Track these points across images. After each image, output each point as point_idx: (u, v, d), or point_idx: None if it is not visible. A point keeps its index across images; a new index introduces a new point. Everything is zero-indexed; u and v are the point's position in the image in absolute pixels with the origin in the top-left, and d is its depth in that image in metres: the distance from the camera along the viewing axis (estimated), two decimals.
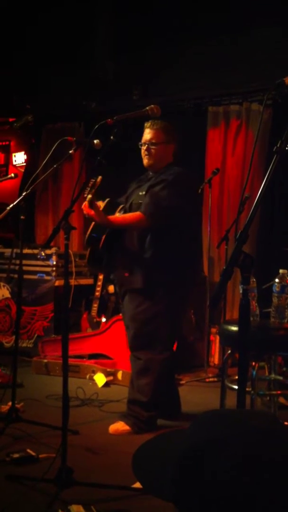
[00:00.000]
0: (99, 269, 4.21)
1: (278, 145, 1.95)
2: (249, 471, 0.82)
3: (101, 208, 3.47)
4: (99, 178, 3.20)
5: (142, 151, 3.67)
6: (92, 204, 3.32)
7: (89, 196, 3.25)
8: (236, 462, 0.83)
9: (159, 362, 3.60)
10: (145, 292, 3.59)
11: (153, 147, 3.63)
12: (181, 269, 3.61)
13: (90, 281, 6.03)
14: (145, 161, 3.70)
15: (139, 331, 3.61)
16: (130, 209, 3.67)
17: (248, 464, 0.83)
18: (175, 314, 3.70)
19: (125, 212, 3.69)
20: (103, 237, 3.59)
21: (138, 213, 3.52)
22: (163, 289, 3.57)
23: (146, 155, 3.66)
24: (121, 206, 3.76)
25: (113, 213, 3.67)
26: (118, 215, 3.66)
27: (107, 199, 3.72)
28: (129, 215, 3.59)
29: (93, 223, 3.56)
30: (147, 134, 3.63)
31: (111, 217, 3.52)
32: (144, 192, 3.63)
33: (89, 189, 3.23)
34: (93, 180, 3.21)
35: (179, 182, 3.58)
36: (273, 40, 5.68)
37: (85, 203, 3.31)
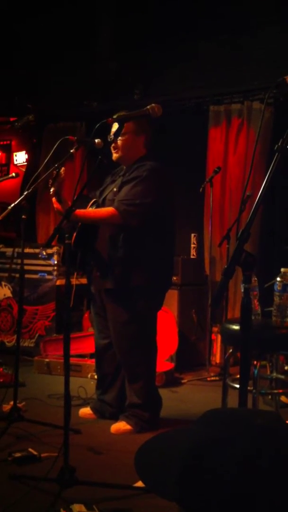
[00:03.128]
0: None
1: (279, 144, 1.95)
2: (252, 471, 0.82)
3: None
4: (62, 169, 3.13)
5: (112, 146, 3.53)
6: (58, 196, 3.26)
7: (53, 188, 3.18)
8: (240, 462, 0.82)
9: (145, 366, 3.59)
10: (119, 293, 3.52)
11: (120, 138, 3.49)
12: (155, 270, 3.52)
13: None
14: (114, 155, 3.57)
15: (120, 333, 3.58)
16: (103, 205, 3.58)
17: (251, 464, 0.83)
18: (151, 316, 3.65)
19: (97, 207, 3.59)
20: (74, 234, 3.49)
21: (111, 208, 3.42)
22: (136, 290, 3.49)
23: (113, 147, 3.53)
24: (93, 201, 3.65)
25: (84, 207, 3.56)
26: (89, 210, 3.55)
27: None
28: (102, 210, 3.49)
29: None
30: (115, 126, 3.19)
31: (81, 211, 3.39)
32: (117, 189, 3.55)
33: (51, 181, 3.16)
34: (56, 172, 3.14)
35: (153, 178, 3.47)
36: (274, 39, 5.66)
37: (54, 198, 3.26)
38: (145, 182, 3.44)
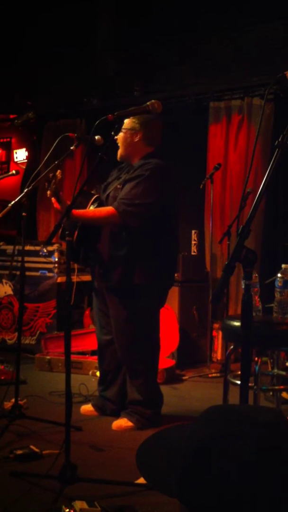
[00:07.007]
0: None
1: (279, 139, 1.94)
2: (257, 469, 0.81)
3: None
4: (58, 172, 3.14)
5: None
6: (57, 196, 3.26)
7: (49, 191, 3.21)
8: (244, 460, 0.82)
9: (146, 362, 3.59)
10: (121, 291, 3.52)
11: (121, 134, 3.52)
12: (158, 269, 3.51)
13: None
14: (118, 152, 3.59)
15: (121, 330, 3.58)
16: (106, 201, 3.57)
17: (255, 462, 0.82)
18: (153, 314, 3.65)
19: (100, 203, 3.57)
20: (76, 232, 3.48)
21: (110, 208, 3.41)
22: (139, 289, 3.48)
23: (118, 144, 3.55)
24: (94, 198, 3.62)
25: (86, 204, 3.55)
26: (91, 208, 3.54)
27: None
28: (100, 210, 3.47)
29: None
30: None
31: (80, 211, 3.38)
32: (120, 186, 3.53)
33: (47, 184, 3.19)
34: (52, 174, 3.16)
35: (155, 177, 3.44)
36: (274, 35, 5.65)
37: (54, 198, 3.27)
38: (146, 181, 3.42)
